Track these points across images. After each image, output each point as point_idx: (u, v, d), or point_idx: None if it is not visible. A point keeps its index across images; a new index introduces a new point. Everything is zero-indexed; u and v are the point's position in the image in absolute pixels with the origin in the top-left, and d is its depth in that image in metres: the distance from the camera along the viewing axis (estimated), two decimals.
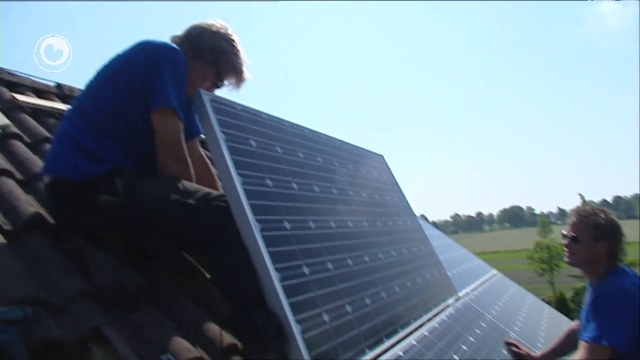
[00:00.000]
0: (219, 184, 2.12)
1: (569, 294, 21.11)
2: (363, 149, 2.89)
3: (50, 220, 1.66)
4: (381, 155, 3.17)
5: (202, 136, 3.04)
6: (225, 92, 1.94)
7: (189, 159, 1.70)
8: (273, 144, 1.80)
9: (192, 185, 1.60)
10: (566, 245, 2.14)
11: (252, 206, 1.43)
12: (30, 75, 2.97)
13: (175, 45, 1.71)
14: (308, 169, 1.96)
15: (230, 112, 1.67)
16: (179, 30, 1.88)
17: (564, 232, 2.17)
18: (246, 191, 1.45)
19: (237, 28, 1.92)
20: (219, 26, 1.86)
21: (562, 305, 16.97)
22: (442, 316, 2.37)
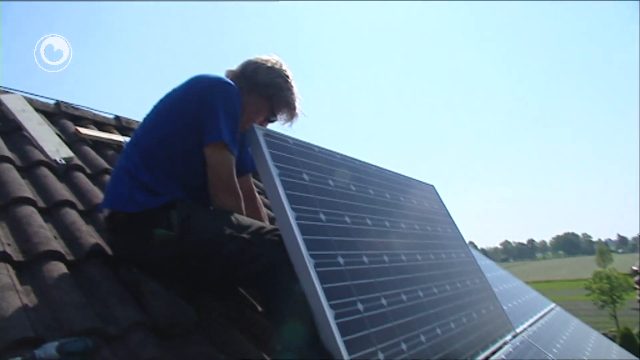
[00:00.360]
0: (266, 219, 2.14)
1: (635, 329, 19.61)
2: (414, 179, 2.83)
3: (109, 251, 1.71)
4: (432, 186, 3.10)
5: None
6: (276, 126, 1.96)
7: (240, 193, 1.71)
8: (325, 177, 1.79)
9: (245, 219, 1.61)
10: (638, 283, 1.99)
11: (306, 241, 1.42)
12: (92, 108, 3.14)
13: (229, 80, 1.74)
14: (360, 201, 1.93)
15: (283, 146, 1.68)
16: (234, 65, 1.93)
17: (635, 267, 2.02)
18: (300, 226, 1.44)
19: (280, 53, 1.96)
20: (274, 62, 1.89)
21: (628, 342, 15.75)
22: (500, 354, 2.25)
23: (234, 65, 1.93)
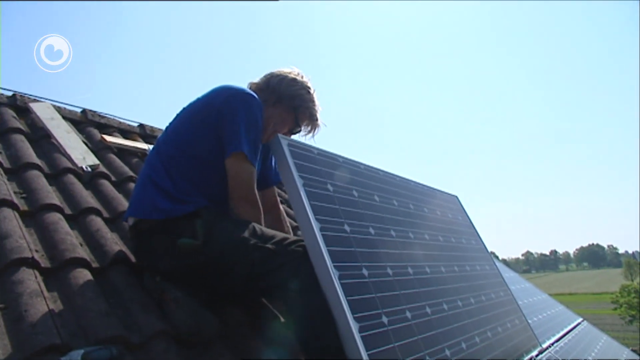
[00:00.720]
0: (290, 232, 2.13)
1: None
2: (437, 190, 2.80)
3: (133, 258, 1.72)
4: (455, 196, 3.06)
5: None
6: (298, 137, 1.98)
7: (260, 204, 1.71)
8: (349, 187, 1.78)
9: (269, 230, 1.61)
10: None
11: (331, 252, 1.40)
12: (117, 116, 3.20)
13: (251, 92, 1.75)
14: (384, 212, 1.91)
15: (307, 156, 1.67)
16: (256, 78, 1.96)
17: None
18: (324, 237, 1.42)
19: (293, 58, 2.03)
20: (296, 74, 1.94)
21: None
22: None
23: (256, 78, 1.96)
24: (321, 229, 1.44)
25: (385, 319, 1.44)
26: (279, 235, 1.59)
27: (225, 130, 1.65)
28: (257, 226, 1.60)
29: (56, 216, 1.78)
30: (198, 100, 1.77)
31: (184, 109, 1.80)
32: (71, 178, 2.16)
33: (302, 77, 1.94)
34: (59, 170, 2.19)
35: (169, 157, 1.67)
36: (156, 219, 1.59)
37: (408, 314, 1.58)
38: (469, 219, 2.97)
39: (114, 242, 1.76)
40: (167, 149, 1.70)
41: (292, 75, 1.92)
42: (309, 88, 1.93)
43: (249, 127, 1.66)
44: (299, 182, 1.49)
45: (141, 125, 3.33)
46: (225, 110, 1.66)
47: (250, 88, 1.89)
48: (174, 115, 1.82)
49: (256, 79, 1.96)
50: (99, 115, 3.06)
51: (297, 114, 1.91)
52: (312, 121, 1.95)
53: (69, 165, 2.25)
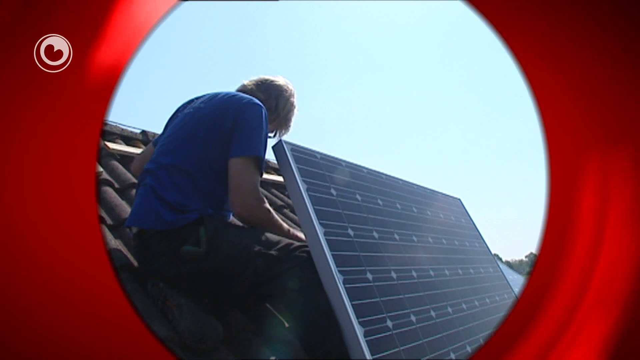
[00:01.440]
0: None
1: None
2: (440, 192, 2.80)
3: (136, 265, 1.72)
4: (458, 199, 3.06)
5: (280, 179, 3.10)
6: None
7: (268, 206, 1.70)
8: (353, 191, 1.78)
9: (274, 236, 1.60)
10: None
11: (335, 257, 1.40)
12: (120, 123, 3.20)
13: (260, 102, 1.76)
14: (388, 216, 1.91)
15: (310, 161, 1.67)
16: (250, 80, 1.99)
17: None
18: (328, 241, 1.42)
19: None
20: (290, 90, 2.02)
21: None
22: None
23: (251, 80, 1.97)
24: (325, 234, 1.44)
25: (390, 323, 1.43)
26: (284, 240, 1.58)
27: (238, 132, 1.64)
28: (261, 232, 1.59)
29: None
30: (206, 107, 1.74)
31: (185, 114, 1.78)
32: None
33: (293, 95, 2.02)
34: None
35: (176, 167, 1.64)
36: (160, 229, 1.58)
37: (413, 318, 1.57)
38: (472, 222, 2.97)
39: (118, 250, 1.75)
40: (172, 159, 1.66)
41: (287, 93, 1.99)
42: (295, 105, 2.04)
43: (264, 136, 1.67)
44: (302, 187, 1.49)
45: (143, 132, 3.33)
46: (246, 115, 1.66)
47: (247, 91, 1.91)
48: (170, 118, 1.82)
49: (247, 80, 1.98)
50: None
51: (278, 125, 2.03)
52: (284, 131, 2.08)
53: None
